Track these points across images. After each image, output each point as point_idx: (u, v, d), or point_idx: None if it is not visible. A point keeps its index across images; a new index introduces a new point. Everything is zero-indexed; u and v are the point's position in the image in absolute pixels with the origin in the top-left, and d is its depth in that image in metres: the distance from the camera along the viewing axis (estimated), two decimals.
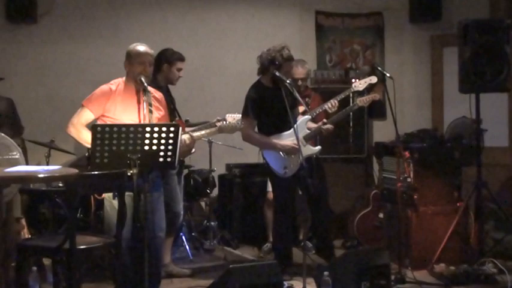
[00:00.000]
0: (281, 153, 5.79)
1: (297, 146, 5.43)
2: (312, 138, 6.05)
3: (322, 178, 6.24)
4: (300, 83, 6.57)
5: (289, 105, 5.50)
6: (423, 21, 8.45)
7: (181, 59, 5.92)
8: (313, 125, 6.03)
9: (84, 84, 6.87)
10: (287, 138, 5.77)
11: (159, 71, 5.77)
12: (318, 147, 5.94)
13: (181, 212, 5.89)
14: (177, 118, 5.87)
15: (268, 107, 5.77)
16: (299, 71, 6.59)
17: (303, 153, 5.50)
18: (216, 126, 5.35)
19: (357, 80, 6.25)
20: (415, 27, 8.53)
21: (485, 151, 6.14)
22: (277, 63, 5.68)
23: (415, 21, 8.45)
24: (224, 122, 5.34)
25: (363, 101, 6.15)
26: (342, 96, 6.14)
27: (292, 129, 5.50)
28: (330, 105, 6.09)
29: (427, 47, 8.57)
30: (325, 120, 5.99)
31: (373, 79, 6.15)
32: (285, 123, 5.68)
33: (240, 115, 5.55)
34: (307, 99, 6.64)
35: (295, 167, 5.74)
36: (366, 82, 6.16)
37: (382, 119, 7.86)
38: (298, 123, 5.76)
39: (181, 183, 6.02)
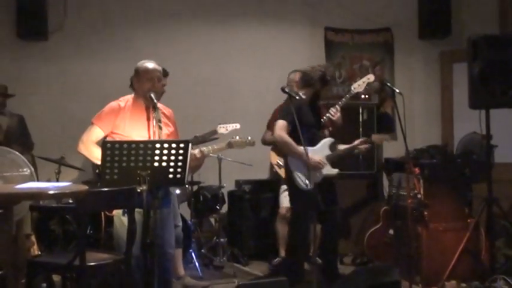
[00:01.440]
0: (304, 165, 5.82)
1: (322, 163, 5.66)
2: (336, 159, 5.93)
3: (334, 196, 6.22)
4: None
5: (316, 123, 5.68)
6: (432, 37, 8.45)
7: (165, 74, 5.89)
8: (343, 146, 6.02)
9: (95, 101, 6.83)
10: (312, 154, 5.80)
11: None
12: (336, 170, 5.91)
13: (180, 224, 5.88)
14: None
15: (301, 119, 5.79)
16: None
17: (324, 172, 5.71)
18: (216, 132, 5.33)
19: (355, 82, 6.25)
20: (425, 43, 8.53)
21: (495, 167, 6.11)
22: (328, 78, 5.80)
23: (424, 37, 8.46)
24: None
25: (357, 86, 6.15)
26: (344, 101, 6.11)
27: (316, 147, 5.71)
28: (332, 113, 6.10)
29: (437, 62, 8.57)
30: (363, 139, 5.98)
31: (371, 77, 6.16)
32: (311, 139, 5.76)
33: (235, 124, 5.56)
34: None
35: (316, 181, 5.75)
36: (364, 82, 6.16)
37: (391, 135, 7.84)
38: (321, 143, 5.83)
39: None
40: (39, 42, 7.53)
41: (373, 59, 8.43)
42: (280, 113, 5.99)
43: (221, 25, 8.11)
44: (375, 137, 6.13)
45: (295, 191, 5.86)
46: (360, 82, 6.17)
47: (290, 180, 5.83)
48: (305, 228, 5.84)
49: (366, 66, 8.41)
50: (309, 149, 5.73)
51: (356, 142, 5.93)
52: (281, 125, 5.77)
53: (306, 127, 5.77)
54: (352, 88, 6.17)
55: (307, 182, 5.69)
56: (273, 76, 7.78)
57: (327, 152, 5.85)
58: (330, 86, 5.86)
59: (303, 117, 5.76)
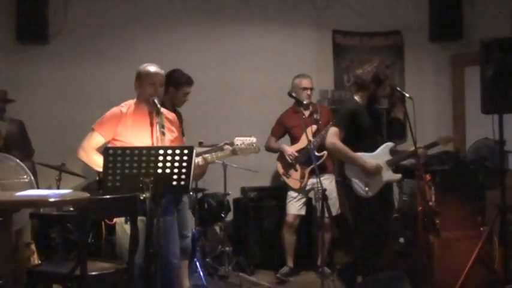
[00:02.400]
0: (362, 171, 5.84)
1: (381, 167, 5.71)
2: (396, 164, 5.94)
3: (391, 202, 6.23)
4: (308, 92, 6.68)
5: (375, 127, 5.76)
6: (443, 40, 8.43)
7: (189, 83, 5.93)
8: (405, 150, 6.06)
9: (96, 106, 6.88)
10: (373, 159, 5.85)
11: (165, 93, 5.80)
12: (399, 175, 5.91)
13: (189, 235, 5.87)
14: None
15: (358, 125, 5.84)
16: (306, 81, 6.77)
17: (385, 178, 5.78)
18: (223, 149, 5.34)
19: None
20: (435, 46, 8.51)
21: (509, 174, 6.08)
22: (381, 78, 5.79)
23: (435, 39, 8.44)
24: (238, 144, 5.33)
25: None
26: None
27: (375, 152, 5.78)
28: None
29: (448, 66, 8.55)
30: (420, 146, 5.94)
31: None
32: (370, 144, 5.82)
33: (252, 138, 5.59)
34: (315, 115, 6.68)
35: (375, 189, 5.80)
36: None
37: (401, 140, 7.82)
38: (381, 148, 5.86)
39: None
40: (39, 46, 7.54)
41: (382, 62, 8.37)
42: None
43: (226, 28, 8.11)
44: (442, 139, 6.13)
45: (355, 200, 5.86)
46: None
47: (348, 189, 5.83)
48: (370, 234, 5.86)
49: None
50: (368, 154, 5.81)
51: (419, 146, 5.90)
52: (333, 131, 5.79)
53: (363, 132, 5.80)
54: None
55: (366, 188, 5.74)
56: (279, 80, 7.78)
57: (388, 156, 5.87)
58: (385, 84, 5.83)
59: (359, 121, 5.80)
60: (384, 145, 5.88)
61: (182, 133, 5.87)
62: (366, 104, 5.88)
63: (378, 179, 5.81)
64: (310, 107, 6.84)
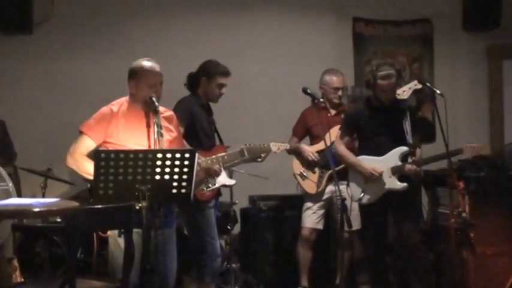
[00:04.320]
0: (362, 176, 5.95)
1: (377, 173, 5.78)
2: (400, 172, 5.92)
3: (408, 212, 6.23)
4: (340, 92, 6.67)
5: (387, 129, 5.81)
6: (479, 29, 8.42)
7: (224, 73, 5.94)
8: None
9: (86, 105, 6.90)
10: (374, 164, 5.89)
11: (197, 85, 5.85)
12: (404, 184, 5.89)
13: (219, 255, 5.92)
14: (218, 143, 5.95)
15: (362, 125, 5.98)
16: (339, 79, 6.70)
17: (386, 186, 5.83)
18: (270, 150, 5.46)
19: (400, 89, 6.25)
20: (470, 36, 8.50)
21: None
22: (403, 74, 5.95)
23: (469, 29, 8.43)
24: (248, 144, 5.36)
25: (402, 93, 6.15)
26: None
27: (383, 156, 5.84)
28: None
29: (484, 58, 8.54)
30: (413, 158, 5.97)
31: (418, 84, 6.16)
32: (378, 147, 5.90)
33: (286, 144, 5.70)
34: (342, 115, 6.66)
35: (374, 196, 5.87)
36: (410, 88, 6.14)
37: (430, 142, 7.81)
38: (391, 152, 5.87)
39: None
40: (22, 36, 7.56)
41: (410, 54, 8.41)
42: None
43: (235, 16, 8.12)
44: (469, 149, 6.08)
45: (360, 206, 6.04)
46: (405, 88, 6.14)
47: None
48: (379, 251, 5.99)
49: (401, 63, 8.37)
50: (372, 158, 5.88)
51: (439, 154, 5.93)
52: (337, 134, 6.10)
53: (370, 134, 5.83)
54: (396, 94, 6.15)
55: (361, 195, 5.87)
56: (294, 74, 7.79)
57: (396, 162, 5.87)
58: (381, 86, 5.86)
59: (362, 122, 5.89)
60: (396, 149, 5.88)
61: (220, 139, 5.96)
62: (375, 103, 5.93)
63: (377, 186, 5.86)
64: (339, 107, 6.82)
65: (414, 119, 5.89)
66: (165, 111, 4.90)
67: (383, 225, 5.95)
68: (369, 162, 5.90)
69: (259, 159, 5.87)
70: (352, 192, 5.96)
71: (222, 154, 5.63)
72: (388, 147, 5.87)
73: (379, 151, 5.88)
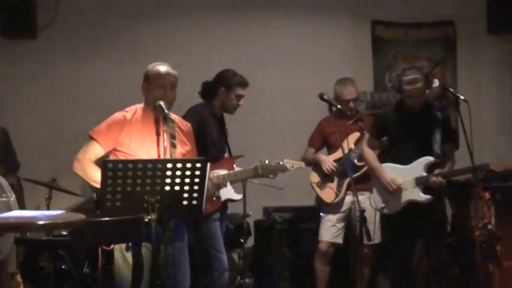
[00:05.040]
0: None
1: (393, 187, 5.79)
2: (425, 183, 5.91)
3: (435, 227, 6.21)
4: (351, 104, 6.63)
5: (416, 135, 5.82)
6: (504, 31, 8.39)
7: (243, 84, 5.96)
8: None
9: (92, 112, 6.94)
10: (398, 173, 5.88)
11: (215, 96, 5.86)
12: (428, 196, 5.86)
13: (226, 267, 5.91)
14: (227, 154, 5.96)
15: (389, 131, 6.01)
16: (349, 91, 6.66)
17: (408, 196, 5.83)
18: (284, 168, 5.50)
19: None
20: (495, 39, 8.47)
21: None
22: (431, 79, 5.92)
23: (494, 31, 8.40)
24: (263, 162, 5.37)
25: None
26: None
27: (409, 165, 5.84)
28: None
29: (510, 62, 8.50)
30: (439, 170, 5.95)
31: (435, 82, 6.15)
32: (403, 155, 5.90)
33: (301, 163, 5.71)
34: (360, 124, 6.65)
35: (396, 207, 5.88)
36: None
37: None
38: (417, 161, 5.86)
39: (223, 232, 6.04)
40: (25, 40, 7.59)
41: (431, 58, 8.39)
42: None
43: (247, 19, 8.13)
44: (496, 164, 5.97)
45: (381, 215, 6.07)
46: None
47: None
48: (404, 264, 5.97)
49: None
50: (396, 167, 5.90)
51: (465, 168, 5.89)
52: (366, 137, 6.16)
53: (396, 140, 5.83)
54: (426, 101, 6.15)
55: (383, 205, 5.91)
56: (310, 79, 7.78)
57: (421, 172, 5.86)
58: (408, 92, 5.88)
59: (392, 127, 5.89)
60: (422, 159, 5.86)
61: (229, 151, 5.99)
62: (405, 108, 5.92)
63: (398, 197, 5.86)
64: (356, 115, 6.81)
65: (447, 129, 5.87)
66: (180, 121, 4.92)
67: (406, 239, 5.91)
68: (392, 170, 5.90)
69: (271, 176, 5.86)
70: (374, 200, 5.98)
71: (235, 171, 5.62)
72: (413, 155, 5.85)
73: (405, 159, 5.87)
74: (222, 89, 5.89)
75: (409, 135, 5.88)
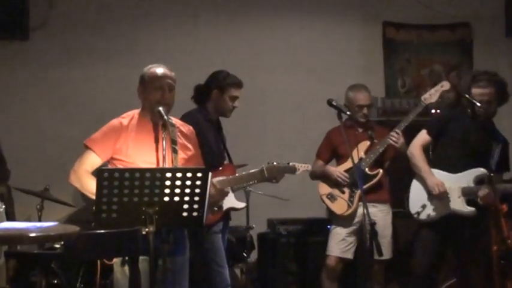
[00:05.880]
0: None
1: (441, 188, 5.78)
2: (471, 195, 5.90)
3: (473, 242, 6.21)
4: (365, 110, 6.62)
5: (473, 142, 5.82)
6: None
7: (236, 84, 5.96)
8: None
9: (88, 118, 6.95)
10: (444, 180, 5.87)
11: (208, 99, 5.86)
12: (472, 209, 5.85)
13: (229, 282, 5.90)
14: (227, 162, 5.94)
15: (446, 134, 5.99)
16: (364, 95, 6.64)
17: (451, 206, 5.83)
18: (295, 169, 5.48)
19: (426, 93, 6.27)
20: None
21: None
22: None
23: None
24: (270, 163, 5.36)
25: (428, 97, 6.18)
26: (410, 117, 6.18)
27: (458, 174, 5.85)
28: (393, 138, 6.22)
29: None
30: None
31: (445, 85, 6.20)
32: (454, 161, 5.91)
33: (307, 165, 5.70)
34: (369, 132, 6.63)
35: (435, 214, 5.87)
36: (437, 91, 6.21)
37: None
38: (468, 172, 5.87)
39: (225, 244, 6.03)
40: (16, 42, 7.59)
41: (446, 62, 8.39)
42: None
43: (251, 20, 8.14)
44: (425, 97, 6.17)
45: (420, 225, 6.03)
46: (431, 91, 6.19)
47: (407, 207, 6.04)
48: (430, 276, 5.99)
49: (437, 72, 8.36)
50: (442, 173, 5.87)
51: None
52: (419, 136, 6.08)
53: (453, 142, 5.90)
54: (422, 99, 6.18)
55: (419, 209, 5.87)
56: (317, 85, 7.78)
57: (469, 183, 5.86)
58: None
59: (454, 127, 5.91)
60: (473, 170, 5.88)
61: (229, 158, 5.97)
62: (471, 114, 5.92)
63: (442, 204, 5.84)
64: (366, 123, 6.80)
65: (504, 154, 5.89)
66: (182, 125, 4.91)
67: (437, 251, 5.92)
68: (438, 176, 5.89)
69: (274, 180, 5.85)
70: (410, 204, 5.94)
71: (240, 175, 5.62)
72: (463, 165, 5.87)
73: (449, 166, 5.89)
74: (215, 92, 5.90)
75: (466, 142, 5.88)
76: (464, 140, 5.89)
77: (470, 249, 5.90)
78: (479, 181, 5.84)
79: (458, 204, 5.84)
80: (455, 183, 5.83)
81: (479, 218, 5.84)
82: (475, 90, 5.79)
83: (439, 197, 5.83)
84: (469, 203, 5.82)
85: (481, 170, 5.82)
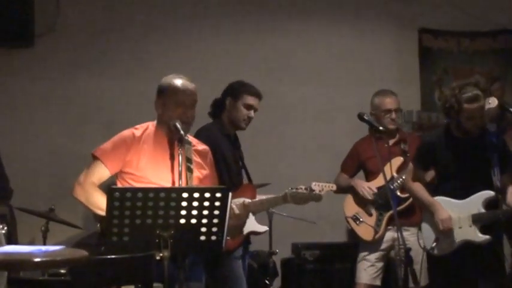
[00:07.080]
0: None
1: (447, 226, 5.72)
2: (484, 222, 5.83)
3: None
4: (393, 115, 6.60)
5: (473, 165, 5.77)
6: None
7: (253, 92, 5.94)
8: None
9: (96, 131, 6.96)
10: (452, 208, 5.82)
11: (223, 110, 5.88)
12: (487, 237, 5.77)
13: None
14: (246, 182, 5.94)
15: (439, 160, 5.94)
16: (390, 99, 6.68)
17: (463, 236, 5.75)
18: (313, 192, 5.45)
19: None
20: None
21: None
22: (459, 106, 5.72)
23: None
24: (292, 189, 5.35)
25: None
26: None
27: (465, 200, 5.77)
28: None
29: None
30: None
31: (492, 101, 6.14)
32: (458, 187, 5.83)
33: (331, 184, 5.67)
34: (402, 145, 6.62)
35: (449, 247, 5.80)
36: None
37: None
38: (475, 196, 5.80)
39: (245, 270, 6.01)
40: (21, 49, 7.62)
41: (488, 73, 8.36)
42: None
43: (273, 27, 8.14)
44: None
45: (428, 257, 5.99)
46: None
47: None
48: None
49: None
50: (450, 201, 5.84)
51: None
52: (409, 168, 6.08)
53: (447, 170, 5.85)
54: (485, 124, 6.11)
55: (433, 244, 5.83)
56: (347, 96, 7.78)
57: (479, 209, 5.81)
58: (471, 112, 5.81)
59: (442, 155, 5.87)
60: (480, 193, 5.81)
61: (248, 177, 5.99)
62: (460, 134, 5.84)
63: (451, 236, 5.78)
64: (397, 135, 6.77)
65: (504, 156, 5.81)
66: (198, 144, 4.92)
67: (458, 284, 5.86)
68: (445, 205, 5.83)
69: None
70: (424, 239, 5.90)
71: (261, 199, 5.59)
72: (468, 189, 5.80)
73: (458, 193, 5.82)
74: (228, 99, 5.89)
75: (461, 165, 5.80)
76: (458, 165, 5.82)
77: (489, 273, 5.83)
78: (488, 205, 5.78)
79: (471, 233, 5.77)
80: (464, 212, 5.75)
81: (495, 243, 5.81)
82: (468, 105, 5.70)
83: (445, 233, 5.78)
84: (481, 229, 5.77)
85: (489, 193, 5.77)
